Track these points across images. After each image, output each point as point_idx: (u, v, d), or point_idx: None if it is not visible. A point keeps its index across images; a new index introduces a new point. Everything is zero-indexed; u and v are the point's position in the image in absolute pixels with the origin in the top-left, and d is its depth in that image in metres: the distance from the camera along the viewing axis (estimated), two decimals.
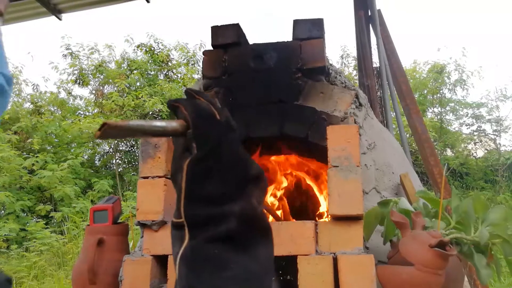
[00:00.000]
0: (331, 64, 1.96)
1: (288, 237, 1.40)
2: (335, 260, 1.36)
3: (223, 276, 0.42)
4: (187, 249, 0.45)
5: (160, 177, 1.50)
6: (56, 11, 4.34)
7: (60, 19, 4.46)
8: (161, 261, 1.49)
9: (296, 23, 1.94)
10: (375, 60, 3.35)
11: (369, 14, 3.26)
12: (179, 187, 0.46)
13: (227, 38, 1.97)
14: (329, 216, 1.42)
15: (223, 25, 2.00)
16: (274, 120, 1.87)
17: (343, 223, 1.39)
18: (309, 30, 1.92)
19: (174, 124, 0.48)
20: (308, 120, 1.83)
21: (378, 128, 1.98)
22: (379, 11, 3.22)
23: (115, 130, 0.44)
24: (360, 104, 1.89)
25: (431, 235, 1.26)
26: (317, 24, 1.91)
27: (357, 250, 1.36)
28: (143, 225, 1.50)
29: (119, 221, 1.67)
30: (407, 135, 4.99)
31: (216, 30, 1.99)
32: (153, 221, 1.47)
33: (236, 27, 1.98)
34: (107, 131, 0.44)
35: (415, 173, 2.15)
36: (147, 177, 1.51)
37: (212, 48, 2.01)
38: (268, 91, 1.91)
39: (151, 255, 1.48)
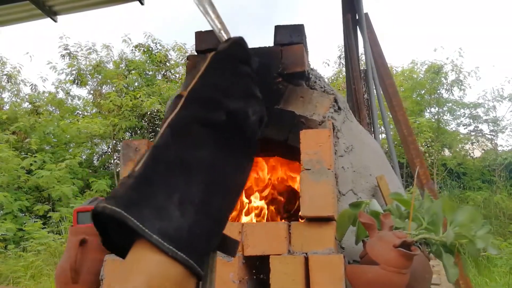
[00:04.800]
0: (311, 69, 2.01)
1: (262, 237, 1.46)
2: (307, 260, 1.41)
3: (197, 156, 0.43)
4: (177, 115, 0.45)
5: None
6: (52, 13, 4.39)
7: (55, 21, 4.50)
8: None
9: (277, 28, 1.98)
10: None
11: (357, 17, 3.31)
12: (197, 71, 0.48)
13: (210, 43, 2.02)
14: (302, 217, 1.47)
15: (207, 30, 2.04)
16: None
17: (315, 224, 1.44)
18: (290, 36, 1.96)
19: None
20: (288, 124, 1.88)
21: (357, 131, 2.02)
22: (366, 14, 3.26)
23: None
24: (339, 108, 1.94)
25: (396, 235, 1.31)
26: (297, 30, 1.96)
27: (328, 250, 1.41)
28: None
29: None
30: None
31: (200, 36, 2.04)
32: None
33: None
34: None
35: (395, 175, 2.19)
36: None
37: (196, 53, 2.06)
38: None
39: None
